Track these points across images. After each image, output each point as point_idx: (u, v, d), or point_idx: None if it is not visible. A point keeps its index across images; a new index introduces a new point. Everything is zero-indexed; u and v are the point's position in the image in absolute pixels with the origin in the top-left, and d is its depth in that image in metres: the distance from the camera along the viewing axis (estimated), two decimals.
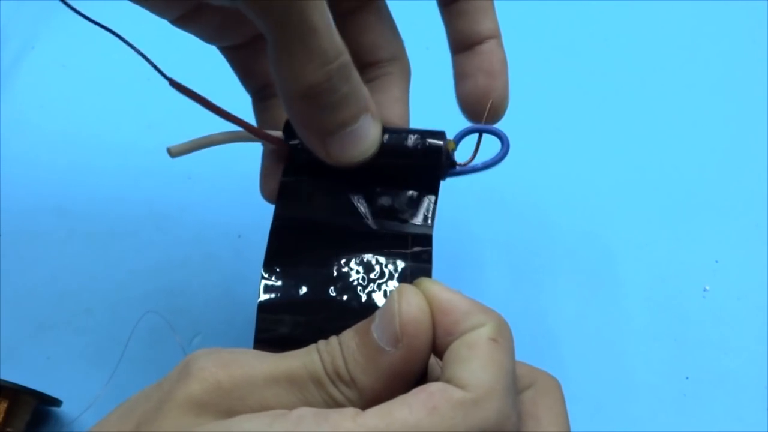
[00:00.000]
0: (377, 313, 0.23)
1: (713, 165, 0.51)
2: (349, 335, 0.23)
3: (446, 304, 0.23)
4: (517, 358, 0.26)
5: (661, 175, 0.50)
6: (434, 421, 0.21)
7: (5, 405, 0.37)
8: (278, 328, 0.26)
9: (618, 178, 0.50)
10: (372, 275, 0.27)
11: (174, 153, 0.29)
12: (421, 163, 0.29)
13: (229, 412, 0.22)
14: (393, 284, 0.27)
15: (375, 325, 0.23)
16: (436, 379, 0.22)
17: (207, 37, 0.33)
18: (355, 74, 0.26)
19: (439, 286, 0.24)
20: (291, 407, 0.22)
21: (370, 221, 0.29)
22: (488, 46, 0.31)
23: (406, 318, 0.22)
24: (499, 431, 0.21)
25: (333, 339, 0.24)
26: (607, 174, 0.50)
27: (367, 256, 0.28)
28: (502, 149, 0.29)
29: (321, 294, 0.27)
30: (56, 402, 0.40)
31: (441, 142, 0.29)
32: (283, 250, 0.28)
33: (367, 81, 0.32)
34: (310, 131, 0.27)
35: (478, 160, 0.30)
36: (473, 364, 0.22)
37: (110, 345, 0.42)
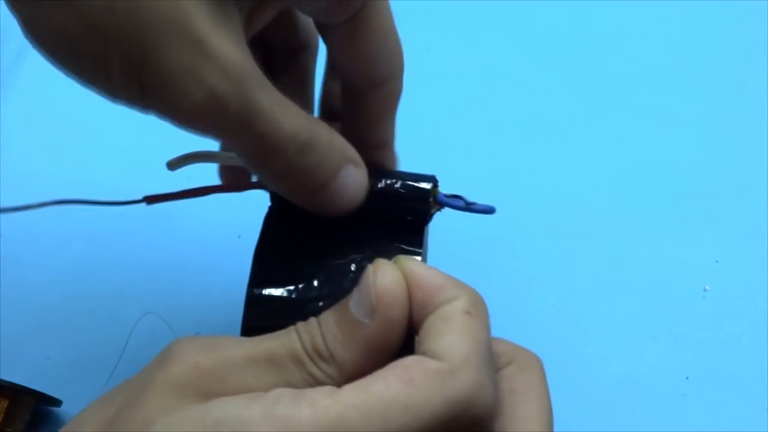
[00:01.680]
0: (355, 288, 0.24)
1: (713, 165, 0.51)
2: (327, 313, 0.24)
3: (421, 278, 0.24)
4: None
5: (661, 175, 0.50)
6: (410, 392, 0.21)
7: (5, 405, 0.37)
8: (266, 318, 0.27)
9: (618, 178, 0.50)
10: (364, 264, 0.27)
11: (172, 166, 0.29)
12: (407, 207, 0.29)
13: (209, 394, 0.22)
14: None
15: (352, 299, 0.23)
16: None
17: None
18: (323, 138, 0.26)
19: (415, 262, 0.24)
20: (271, 388, 0.22)
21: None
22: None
23: (381, 288, 0.23)
24: (475, 401, 0.21)
25: (312, 319, 0.24)
26: (607, 174, 0.50)
27: (360, 247, 0.28)
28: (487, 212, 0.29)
29: (311, 284, 0.27)
30: (56, 402, 0.40)
31: (428, 192, 0.28)
32: (276, 241, 0.28)
33: (357, 95, 0.32)
34: (292, 196, 0.27)
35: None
36: (448, 336, 0.22)
37: (110, 345, 0.42)
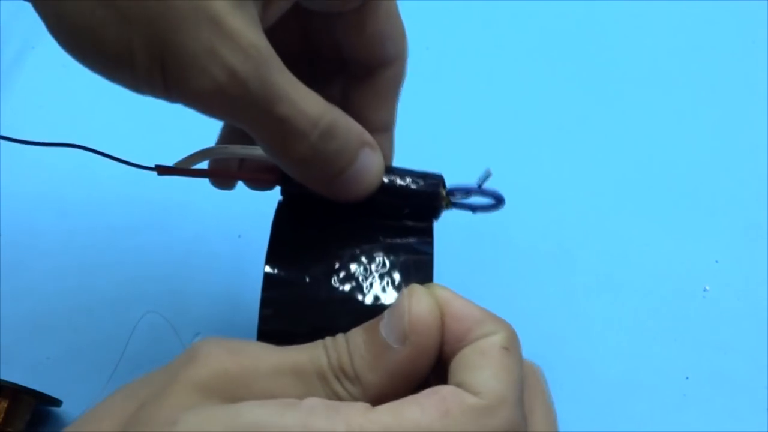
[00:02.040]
0: (386, 311, 0.23)
1: (713, 165, 0.51)
2: (356, 332, 0.23)
3: (459, 310, 0.23)
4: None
5: (661, 175, 0.50)
6: (446, 424, 0.20)
7: (5, 405, 0.37)
8: (280, 321, 0.27)
9: (618, 178, 0.50)
10: (374, 266, 0.27)
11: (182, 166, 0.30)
12: (416, 204, 0.29)
13: (234, 399, 0.22)
14: (396, 275, 0.27)
15: (383, 322, 0.23)
16: None
17: None
18: (342, 123, 0.26)
19: (450, 292, 0.24)
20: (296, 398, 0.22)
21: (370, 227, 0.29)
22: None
23: (416, 316, 0.22)
24: None
25: (340, 336, 0.24)
26: (607, 174, 0.50)
27: (369, 247, 0.28)
28: (496, 204, 0.29)
29: (323, 286, 0.27)
30: (56, 402, 0.40)
31: (438, 190, 0.29)
32: (286, 243, 0.28)
33: (361, 79, 0.32)
34: (312, 182, 0.27)
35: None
36: (485, 371, 0.22)
37: (110, 344, 0.42)
